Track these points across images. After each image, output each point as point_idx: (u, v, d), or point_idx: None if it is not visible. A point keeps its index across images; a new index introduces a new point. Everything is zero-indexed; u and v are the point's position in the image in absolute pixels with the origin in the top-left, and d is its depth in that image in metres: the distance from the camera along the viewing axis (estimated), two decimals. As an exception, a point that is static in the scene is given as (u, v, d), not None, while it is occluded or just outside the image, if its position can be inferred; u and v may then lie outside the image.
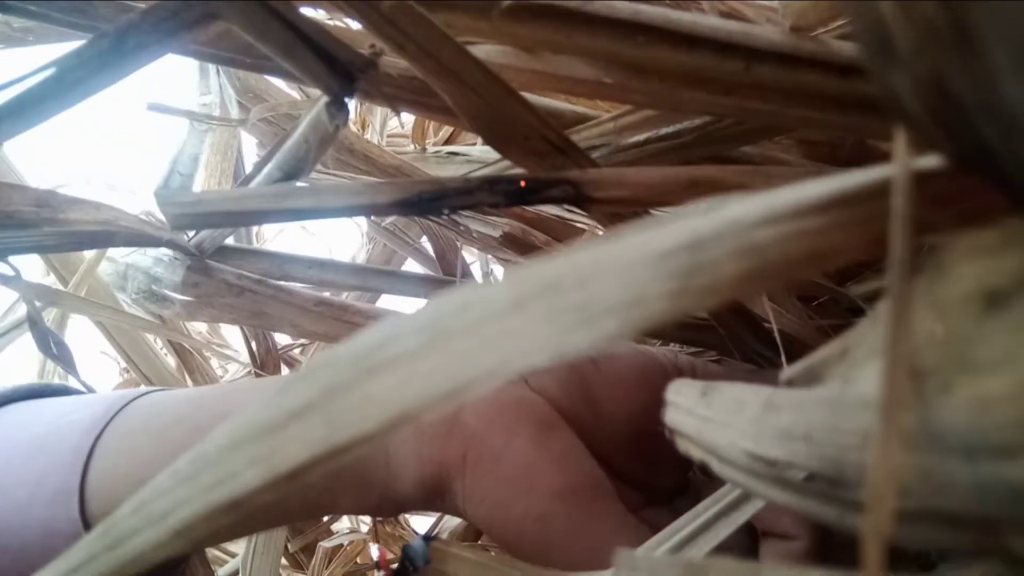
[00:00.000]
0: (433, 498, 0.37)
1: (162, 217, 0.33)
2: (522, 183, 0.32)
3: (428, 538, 0.30)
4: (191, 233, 0.51)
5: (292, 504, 0.38)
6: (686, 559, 0.16)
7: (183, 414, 0.39)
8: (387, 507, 0.38)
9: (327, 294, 0.57)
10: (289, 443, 0.15)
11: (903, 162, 0.12)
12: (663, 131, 0.41)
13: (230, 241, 0.70)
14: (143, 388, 0.43)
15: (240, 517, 0.37)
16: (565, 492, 0.35)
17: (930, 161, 0.13)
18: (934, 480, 0.12)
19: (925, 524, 0.13)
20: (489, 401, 0.37)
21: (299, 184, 0.35)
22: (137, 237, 0.45)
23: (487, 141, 0.33)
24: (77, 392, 0.48)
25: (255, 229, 1.02)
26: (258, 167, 0.38)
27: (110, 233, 0.43)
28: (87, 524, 0.36)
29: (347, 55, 0.32)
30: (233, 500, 0.15)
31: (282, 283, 0.55)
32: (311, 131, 0.34)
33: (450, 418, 0.37)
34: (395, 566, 0.31)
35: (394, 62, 0.40)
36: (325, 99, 0.32)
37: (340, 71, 0.31)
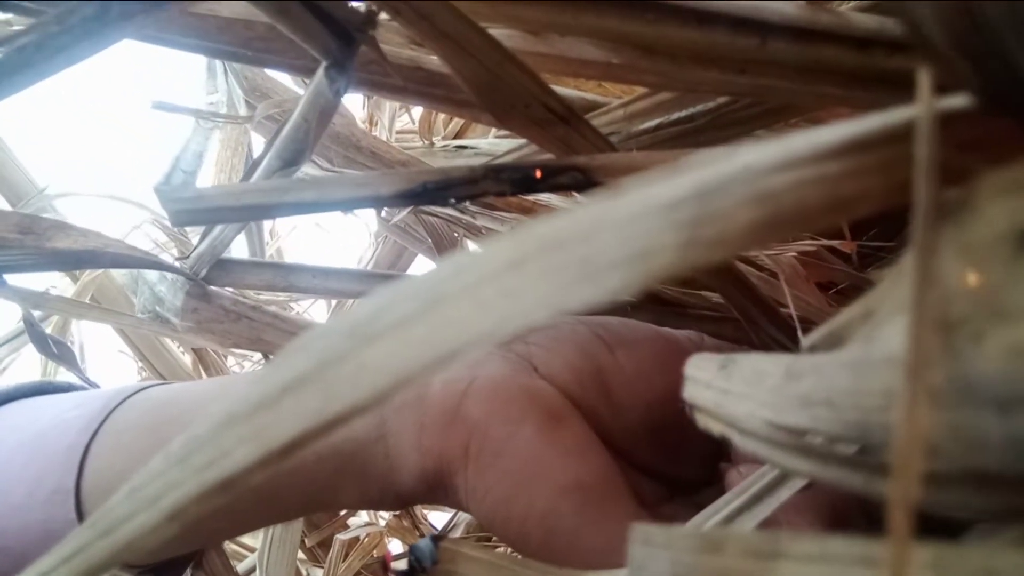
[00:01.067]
0: (436, 491, 0.36)
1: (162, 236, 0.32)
2: (537, 172, 0.31)
3: (437, 537, 0.29)
4: (195, 237, 0.51)
5: (292, 499, 0.37)
6: (702, 532, 0.15)
7: (181, 409, 0.38)
8: (389, 500, 0.37)
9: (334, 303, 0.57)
10: (281, 418, 0.14)
11: (927, 102, 0.11)
12: (675, 116, 0.40)
13: (241, 253, 0.70)
14: (141, 383, 0.42)
15: (239, 505, 0.37)
16: (572, 488, 0.33)
17: (957, 101, 0.12)
18: (965, 437, 0.11)
19: (956, 487, 0.12)
20: (494, 390, 0.35)
21: (302, 177, 0.35)
22: (124, 259, 0.45)
23: (488, 110, 0.32)
24: (81, 388, 0.47)
25: (268, 227, 1.02)
26: (258, 160, 0.38)
27: (96, 254, 0.42)
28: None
29: (344, 13, 0.31)
30: (225, 480, 0.15)
31: (277, 311, 0.54)
32: (310, 108, 0.33)
33: (452, 408, 0.35)
34: (403, 566, 0.30)
35: (398, 52, 0.39)
36: (324, 65, 0.32)
37: (338, 32, 0.30)
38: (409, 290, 0.14)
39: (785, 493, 0.24)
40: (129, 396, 0.40)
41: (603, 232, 0.12)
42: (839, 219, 0.12)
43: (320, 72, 0.32)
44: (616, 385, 0.37)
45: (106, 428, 0.38)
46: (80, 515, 0.36)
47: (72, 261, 0.42)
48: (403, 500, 0.37)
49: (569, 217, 0.13)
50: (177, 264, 0.50)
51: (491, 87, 0.31)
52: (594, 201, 0.13)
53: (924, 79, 0.11)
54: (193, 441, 0.16)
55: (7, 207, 0.72)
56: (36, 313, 0.57)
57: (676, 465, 0.38)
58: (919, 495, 0.11)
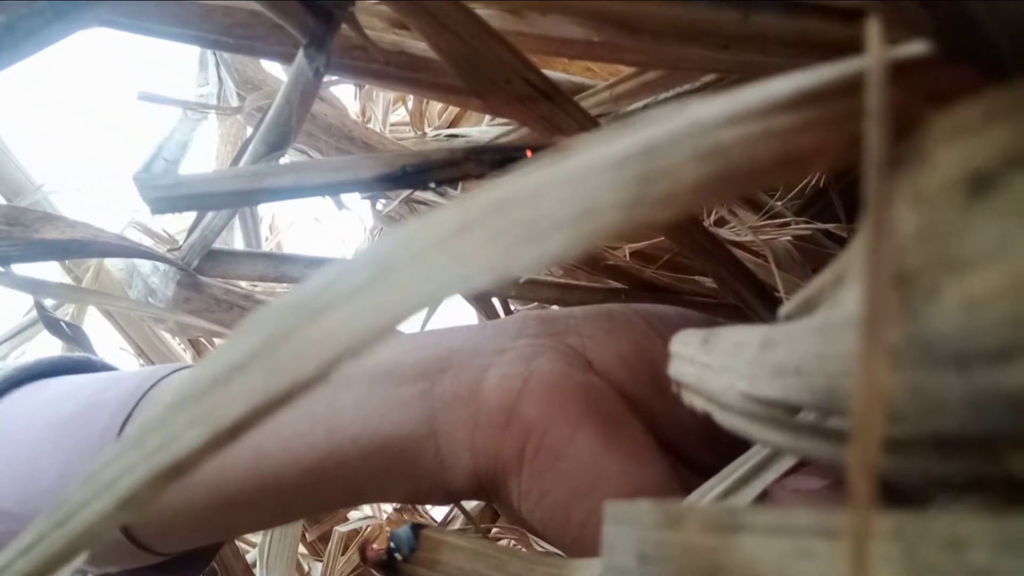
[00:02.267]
0: (487, 490, 0.35)
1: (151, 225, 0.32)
2: (528, 152, 0.31)
3: (417, 526, 0.28)
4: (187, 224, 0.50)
5: (334, 493, 0.36)
6: (664, 507, 0.14)
7: None
8: (439, 496, 0.36)
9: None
10: (230, 398, 0.14)
11: (877, 51, 0.11)
12: (662, 96, 0.39)
13: (239, 244, 0.70)
14: (175, 365, 0.41)
15: (280, 498, 0.36)
16: (631, 497, 0.31)
17: (911, 49, 0.12)
18: (926, 399, 0.11)
19: (918, 452, 0.11)
20: (551, 389, 0.33)
21: (282, 162, 0.35)
22: (113, 248, 0.45)
23: (470, 88, 0.32)
24: (101, 364, 0.46)
25: (268, 222, 1.02)
26: (243, 147, 0.37)
27: (84, 244, 0.42)
28: None
29: (322, -11, 0.30)
30: (175, 463, 0.14)
31: (268, 300, 0.54)
32: (292, 90, 0.33)
33: (507, 407, 0.33)
34: (382, 555, 0.29)
35: (381, 36, 0.39)
36: (303, 44, 0.31)
37: (316, 9, 0.30)
38: (358, 262, 0.13)
39: (784, 466, 0.24)
40: (162, 378, 0.39)
41: (549, 193, 0.12)
42: (792, 175, 0.11)
43: (300, 52, 0.31)
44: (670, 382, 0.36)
45: (139, 412, 0.37)
46: None
47: (60, 251, 0.42)
48: (452, 497, 0.36)
49: (516, 180, 0.12)
50: (168, 255, 0.49)
51: (471, 63, 0.31)
52: (544, 163, 0.13)
53: (873, 27, 0.11)
54: (146, 425, 0.15)
55: (3, 203, 0.72)
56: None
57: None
58: (880, 461, 0.10)
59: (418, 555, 0.26)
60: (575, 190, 0.11)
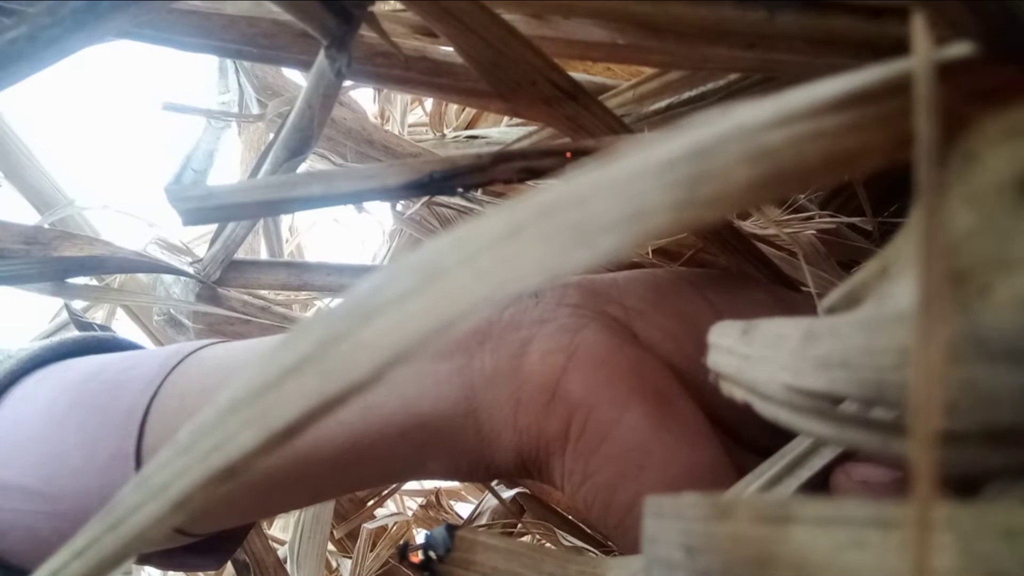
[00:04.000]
0: (529, 469, 0.33)
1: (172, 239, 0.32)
2: (567, 154, 0.31)
3: (452, 527, 0.29)
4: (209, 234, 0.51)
5: (371, 471, 0.35)
6: (711, 500, 0.15)
7: (243, 365, 0.36)
8: (480, 473, 0.35)
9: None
10: (283, 400, 0.14)
11: (924, 51, 0.11)
12: (685, 95, 0.39)
13: (262, 250, 0.70)
14: (202, 341, 0.40)
15: (315, 477, 0.36)
16: (680, 479, 0.30)
17: (956, 49, 0.12)
18: (979, 392, 0.11)
19: (973, 444, 0.11)
20: (597, 365, 0.32)
21: (310, 171, 0.35)
22: (131, 264, 0.45)
23: (495, 90, 0.32)
24: (127, 343, 0.45)
25: (287, 224, 1.03)
26: (264, 153, 0.38)
27: (101, 260, 0.43)
28: None
29: (342, -11, 0.31)
30: (229, 465, 0.15)
31: (285, 311, 0.54)
32: (313, 93, 0.33)
33: (551, 384, 0.32)
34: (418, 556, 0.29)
35: (403, 42, 0.39)
36: (324, 44, 0.31)
37: (336, 10, 0.30)
38: (408, 265, 0.14)
39: (831, 454, 0.24)
40: (187, 355, 0.38)
41: (598, 195, 0.12)
42: (839, 175, 0.11)
43: (320, 54, 0.32)
44: None
45: (165, 390, 0.36)
46: None
47: (77, 269, 0.43)
48: (494, 474, 0.35)
49: (565, 184, 0.13)
50: (187, 268, 0.50)
51: (496, 66, 0.31)
52: (590, 166, 0.13)
53: (919, 27, 0.11)
54: (199, 428, 0.16)
55: (35, 215, 0.73)
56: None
57: (785, 443, 0.36)
58: (939, 453, 0.10)
59: (453, 556, 0.27)
60: (624, 192, 0.12)
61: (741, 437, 0.34)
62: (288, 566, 0.61)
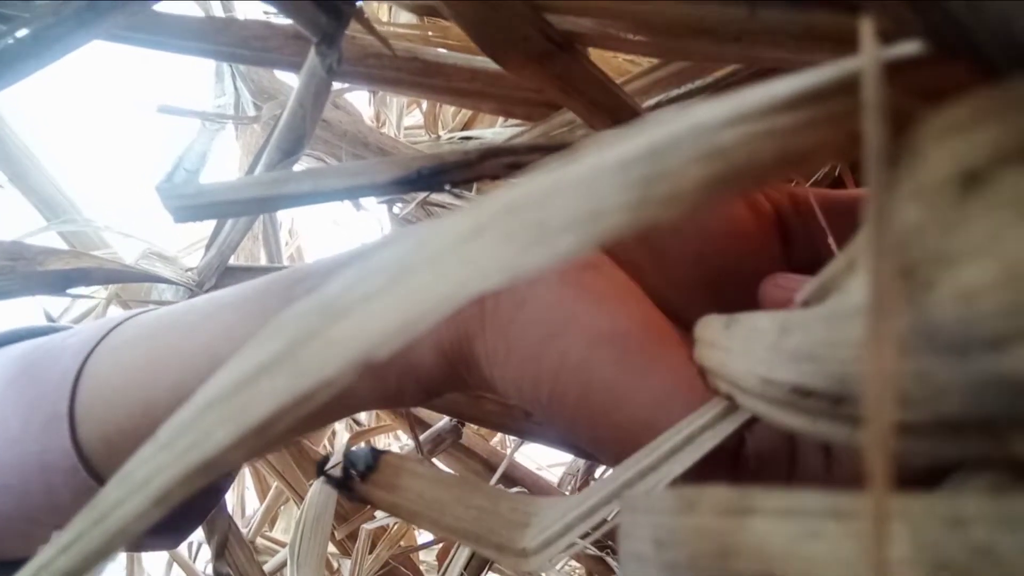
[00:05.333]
0: (458, 369, 0.31)
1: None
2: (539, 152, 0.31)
3: (378, 451, 0.27)
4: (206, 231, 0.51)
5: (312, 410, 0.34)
6: (678, 493, 0.15)
7: (180, 314, 0.36)
8: (411, 389, 0.32)
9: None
10: (257, 398, 0.14)
11: (872, 50, 0.11)
12: (674, 92, 0.40)
13: (261, 254, 0.71)
14: (136, 311, 0.39)
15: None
16: (609, 336, 0.27)
17: (904, 48, 0.12)
18: (930, 384, 0.11)
19: (926, 435, 0.12)
20: None
21: (299, 168, 0.35)
22: (117, 275, 0.45)
23: (486, 50, 0.32)
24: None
25: (287, 227, 1.03)
26: (258, 154, 0.38)
27: (87, 272, 0.43)
28: (80, 452, 0.33)
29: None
30: (206, 461, 0.15)
31: None
32: (305, 91, 0.34)
33: None
34: (337, 472, 0.27)
35: (395, 44, 0.39)
36: (314, 41, 0.32)
37: (326, 6, 0.30)
38: (376, 265, 0.14)
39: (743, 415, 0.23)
40: (124, 320, 0.37)
41: (557, 195, 0.12)
42: (792, 173, 0.12)
43: (311, 52, 0.32)
44: (659, 231, 0.31)
45: (99, 351, 0.35)
46: (75, 441, 0.33)
47: (63, 282, 0.43)
48: (425, 387, 0.33)
49: (527, 183, 0.13)
50: (175, 277, 0.50)
51: (488, 23, 0.30)
52: (553, 166, 0.13)
53: (867, 28, 0.11)
54: (179, 424, 0.16)
55: (36, 215, 0.73)
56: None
57: None
58: (894, 443, 0.11)
59: (376, 477, 0.25)
60: (582, 192, 0.12)
61: (689, 321, 0.30)
62: (288, 567, 0.62)
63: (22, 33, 0.24)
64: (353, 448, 0.26)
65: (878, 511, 0.11)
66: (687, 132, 0.12)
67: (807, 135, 0.12)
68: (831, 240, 0.30)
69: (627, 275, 0.31)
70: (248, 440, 0.15)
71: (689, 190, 0.12)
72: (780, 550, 0.13)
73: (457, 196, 0.50)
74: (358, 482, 0.25)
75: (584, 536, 0.21)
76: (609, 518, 0.21)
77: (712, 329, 0.21)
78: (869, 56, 0.11)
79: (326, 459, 0.26)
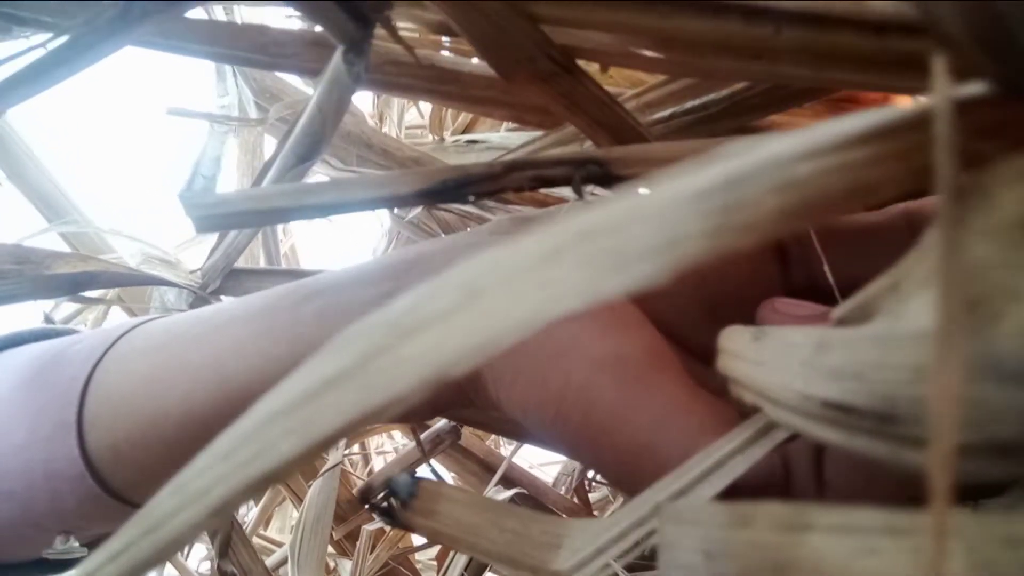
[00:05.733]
0: (465, 390, 0.32)
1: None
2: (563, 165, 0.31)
3: (417, 477, 0.28)
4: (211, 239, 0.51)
5: None
6: (731, 507, 0.15)
7: (188, 325, 0.36)
8: (417, 407, 0.31)
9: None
10: (324, 411, 0.15)
11: (944, 89, 0.12)
12: (688, 104, 0.40)
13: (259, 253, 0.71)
14: (146, 317, 0.39)
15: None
16: (613, 360, 0.28)
17: (973, 88, 0.13)
18: (988, 409, 0.12)
19: (980, 457, 0.12)
20: None
21: (322, 179, 0.35)
22: (122, 278, 0.45)
23: (493, 67, 0.32)
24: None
25: (280, 227, 1.03)
26: (273, 157, 0.38)
27: (93, 276, 0.43)
28: (88, 460, 0.33)
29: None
30: (268, 473, 0.15)
31: None
32: (325, 98, 0.34)
33: None
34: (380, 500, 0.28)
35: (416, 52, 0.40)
36: (341, 49, 0.32)
37: (354, 13, 0.31)
38: (448, 283, 0.14)
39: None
40: (133, 327, 0.37)
41: (634, 223, 0.13)
42: (862, 204, 0.12)
43: (336, 58, 0.32)
44: None
45: (109, 357, 0.35)
46: (83, 449, 0.33)
47: (69, 286, 0.43)
48: (432, 406, 0.34)
49: (602, 209, 0.13)
50: (180, 280, 0.50)
51: (497, 44, 0.31)
52: (626, 193, 0.13)
53: (940, 67, 0.12)
54: (239, 435, 0.16)
55: (36, 215, 0.73)
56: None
57: None
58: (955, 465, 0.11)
59: (416, 503, 0.26)
60: (660, 220, 0.12)
61: (691, 345, 0.33)
62: (288, 567, 0.62)
63: (59, 41, 0.25)
64: (396, 477, 0.27)
65: (938, 529, 0.11)
66: (764, 164, 0.12)
67: (878, 169, 0.12)
68: (826, 268, 0.30)
69: (630, 300, 0.32)
70: (312, 453, 0.15)
71: (764, 220, 0.12)
72: (836, 566, 0.13)
73: (473, 204, 0.50)
74: (400, 510, 0.26)
75: (618, 558, 0.21)
76: (639, 540, 0.21)
77: (739, 341, 0.22)
78: (941, 94, 0.12)
79: (369, 487, 0.27)
